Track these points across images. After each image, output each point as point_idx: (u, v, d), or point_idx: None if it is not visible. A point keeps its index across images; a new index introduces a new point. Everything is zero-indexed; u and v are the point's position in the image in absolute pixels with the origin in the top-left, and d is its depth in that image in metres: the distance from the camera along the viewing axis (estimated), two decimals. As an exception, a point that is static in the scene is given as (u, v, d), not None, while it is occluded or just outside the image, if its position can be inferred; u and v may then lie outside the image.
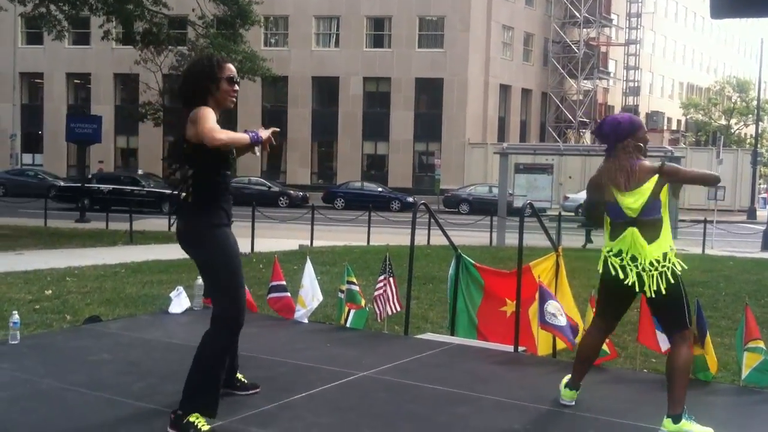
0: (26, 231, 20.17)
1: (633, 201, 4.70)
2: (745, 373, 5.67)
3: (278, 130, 4.61)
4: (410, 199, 38.00)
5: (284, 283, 7.71)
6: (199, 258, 4.59)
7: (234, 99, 4.61)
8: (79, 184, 29.11)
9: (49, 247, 16.70)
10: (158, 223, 22.77)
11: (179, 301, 7.75)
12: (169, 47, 27.47)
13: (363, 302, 7.37)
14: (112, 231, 20.99)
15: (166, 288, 10.10)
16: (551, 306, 6.30)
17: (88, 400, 4.95)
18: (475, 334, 7.37)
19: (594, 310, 5.02)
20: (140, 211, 27.60)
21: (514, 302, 6.80)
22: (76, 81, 51.60)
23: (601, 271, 4.84)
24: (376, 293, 7.40)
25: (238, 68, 32.60)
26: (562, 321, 6.27)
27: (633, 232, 4.68)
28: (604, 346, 6.22)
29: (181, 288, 7.92)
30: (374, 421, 4.75)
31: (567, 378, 5.18)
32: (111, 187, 31.79)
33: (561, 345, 6.77)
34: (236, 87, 4.60)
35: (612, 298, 4.91)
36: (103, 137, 28.38)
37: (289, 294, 7.67)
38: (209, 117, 4.30)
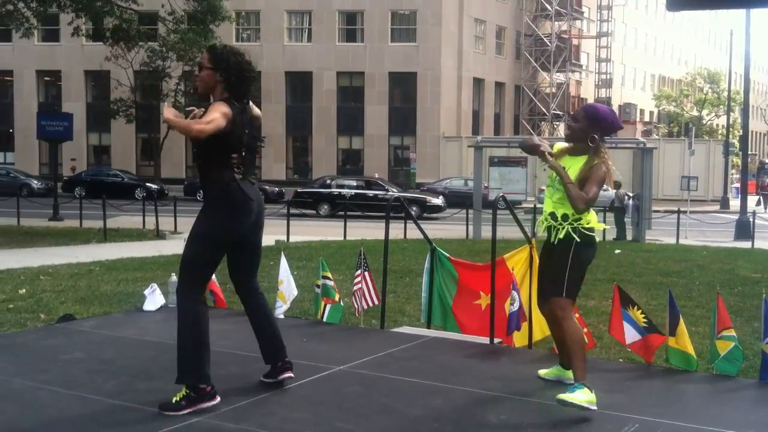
0: (-2, 230, 19.98)
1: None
2: (716, 361, 5.73)
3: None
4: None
5: None
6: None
7: (196, 84, 4.89)
8: (321, 190, 28.39)
9: (22, 245, 16.55)
10: (132, 221, 22.61)
11: (153, 299, 7.71)
12: (140, 43, 27.28)
13: (337, 297, 7.36)
14: (86, 229, 20.83)
15: (140, 285, 10.03)
16: (513, 294, 6.40)
17: (60, 399, 4.91)
18: (452, 326, 7.38)
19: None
20: (379, 217, 27.06)
21: (488, 295, 6.82)
22: (46, 78, 51.13)
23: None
24: (354, 288, 7.40)
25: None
26: (514, 308, 6.37)
27: None
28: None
29: (155, 285, 7.88)
30: (348, 415, 4.74)
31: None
32: (353, 192, 30.29)
33: (537, 336, 6.80)
34: (196, 72, 4.94)
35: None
36: (75, 135, 28.10)
37: None
38: None
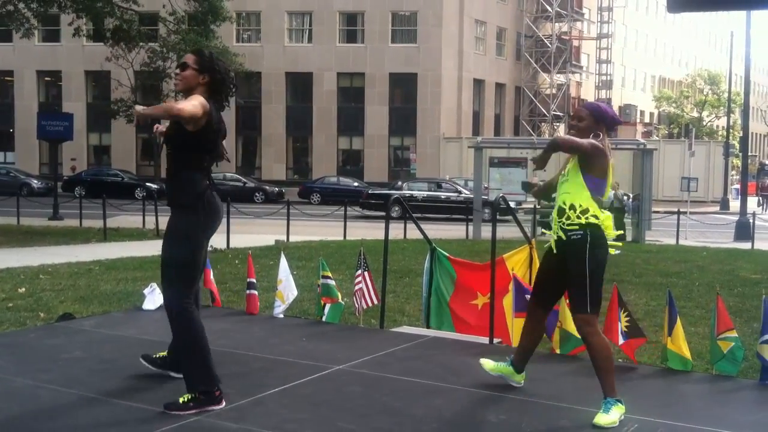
0: (-2, 230, 19.99)
1: None
2: (716, 361, 5.73)
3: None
4: (386, 194, 37.90)
5: (253, 280, 7.71)
6: None
7: (176, 81, 4.94)
8: (390, 191, 27.70)
9: (22, 245, 16.55)
10: (132, 221, 22.62)
11: (153, 298, 7.71)
12: (141, 44, 27.28)
13: (339, 296, 7.36)
14: (86, 228, 20.83)
15: (140, 285, 10.03)
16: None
17: (60, 398, 4.91)
18: (448, 326, 7.39)
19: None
20: (451, 219, 26.96)
21: (485, 295, 6.83)
22: (46, 78, 51.09)
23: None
24: (355, 288, 7.41)
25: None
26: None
27: None
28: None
29: (154, 285, 7.87)
30: (349, 415, 4.74)
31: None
32: (425, 193, 29.80)
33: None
34: (177, 70, 4.95)
35: None
36: (75, 135, 28.07)
37: (254, 291, 7.68)
38: None
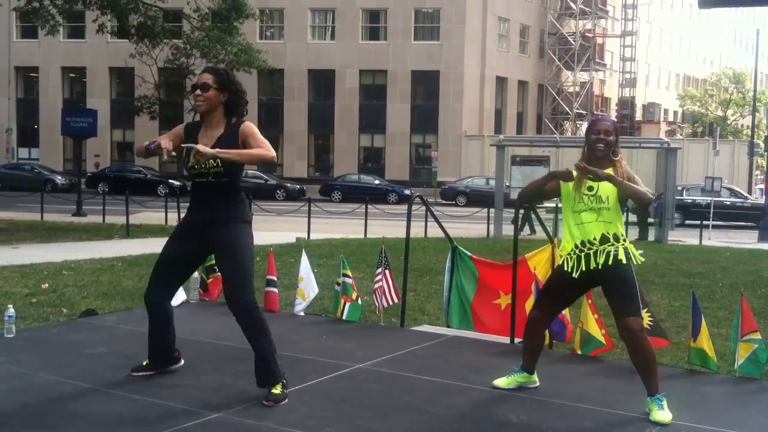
0: (23, 225, 20.13)
1: None
2: (739, 363, 5.69)
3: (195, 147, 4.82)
4: (407, 192, 37.81)
5: (274, 277, 7.73)
6: None
7: (198, 102, 5.04)
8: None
9: (45, 240, 16.67)
10: (155, 217, 22.74)
11: (175, 295, 7.73)
12: (165, 40, 27.41)
13: (355, 295, 7.36)
14: (109, 225, 20.97)
15: (162, 281, 10.06)
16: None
17: (83, 394, 4.95)
18: (470, 325, 7.37)
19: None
20: (737, 227, 26.05)
21: (508, 295, 6.81)
22: (71, 75, 51.45)
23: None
24: (375, 286, 7.41)
25: (233, 61, 32.66)
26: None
27: None
28: (600, 337, 6.24)
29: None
30: (369, 413, 4.74)
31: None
32: (709, 199, 26.12)
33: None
34: (198, 92, 5.00)
35: None
36: (99, 131, 28.31)
37: (274, 289, 7.70)
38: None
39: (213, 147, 4.84)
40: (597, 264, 4.89)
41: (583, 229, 4.95)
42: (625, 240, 4.96)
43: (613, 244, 4.90)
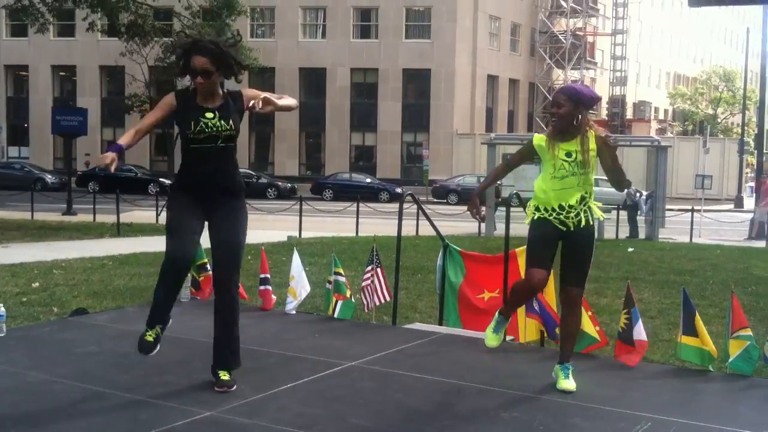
0: (13, 224, 20.08)
1: None
2: (730, 360, 5.69)
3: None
4: (399, 190, 37.86)
5: (267, 275, 7.70)
6: None
7: (200, 85, 4.94)
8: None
9: (36, 239, 16.62)
10: (146, 216, 22.69)
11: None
12: (155, 39, 27.32)
13: (348, 293, 7.35)
14: (99, 224, 20.92)
15: (153, 280, 10.02)
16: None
17: (75, 393, 4.93)
18: (453, 320, 7.38)
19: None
20: None
21: (492, 292, 6.82)
22: (61, 73, 51.29)
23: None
24: (363, 284, 7.39)
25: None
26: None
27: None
28: (594, 333, 6.23)
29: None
30: (361, 411, 4.74)
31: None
32: None
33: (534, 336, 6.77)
34: (199, 79, 4.91)
35: None
36: (90, 130, 28.25)
37: (269, 287, 7.68)
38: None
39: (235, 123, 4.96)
40: (570, 227, 5.09)
41: (564, 193, 5.09)
42: (591, 197, 5.15)
43: (585, 204, 5.10)
